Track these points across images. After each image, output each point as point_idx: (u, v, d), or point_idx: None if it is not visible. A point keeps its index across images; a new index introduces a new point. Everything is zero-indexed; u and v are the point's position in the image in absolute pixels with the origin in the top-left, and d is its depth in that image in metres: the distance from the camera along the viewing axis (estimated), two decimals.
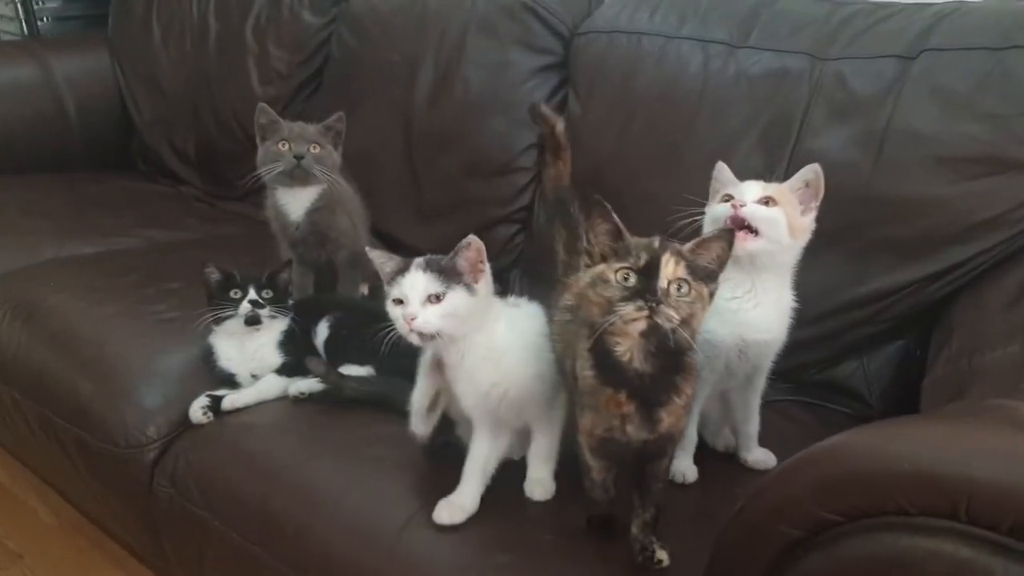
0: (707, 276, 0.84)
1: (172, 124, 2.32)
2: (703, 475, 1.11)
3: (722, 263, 0.86)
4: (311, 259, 1.52)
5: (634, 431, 0.87)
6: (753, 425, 1.14)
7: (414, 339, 0.97)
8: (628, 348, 0.83)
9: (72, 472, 1.35)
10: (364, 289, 1.61)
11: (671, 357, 0.84)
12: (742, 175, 1.46)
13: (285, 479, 1.10)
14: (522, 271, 1.76)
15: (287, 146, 1.43)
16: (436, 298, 0.95)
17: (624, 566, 0.94)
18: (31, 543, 1.70)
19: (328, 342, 1.32)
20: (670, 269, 0.81)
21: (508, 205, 1.76)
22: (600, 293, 0.83)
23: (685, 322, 0.81)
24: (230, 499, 1.12)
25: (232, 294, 1.29)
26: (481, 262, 0.99)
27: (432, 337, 0.96)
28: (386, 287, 0.99)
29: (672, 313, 0.80)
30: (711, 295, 0.85)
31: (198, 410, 1.23)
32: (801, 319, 1.30)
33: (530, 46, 1.74)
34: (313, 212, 1.48)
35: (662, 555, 0.93)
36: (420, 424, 1.08)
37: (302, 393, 1.25)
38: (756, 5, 1.54)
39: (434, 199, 1.83)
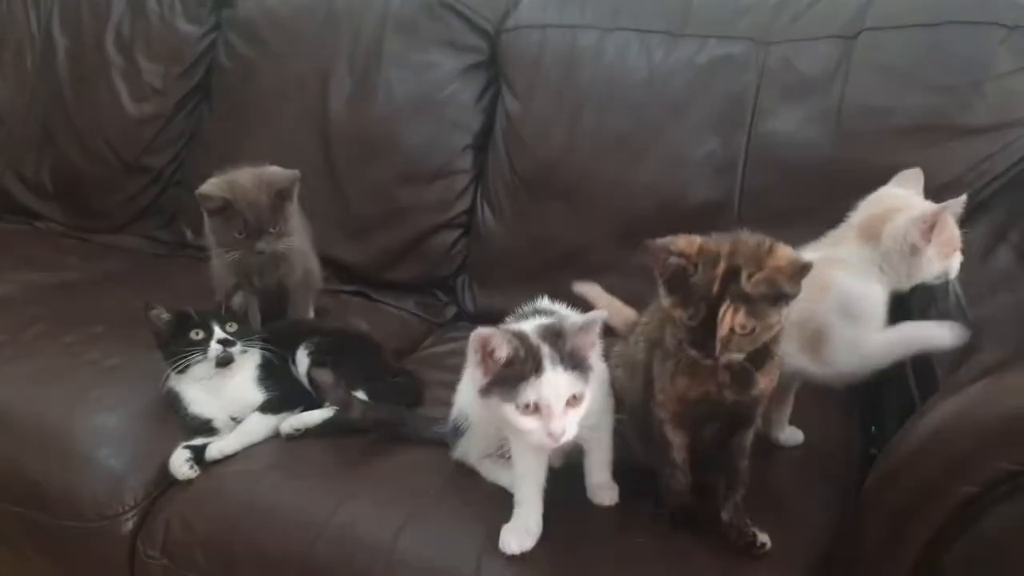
0: (775, 299, 0.82)
1: (17, 153, 2.00)
2: None
3: (792, 277, 0.82)
4: (263, 285, 1.35)
5: (730, 394, 0.87)
6: (787, 406, 1.13)
7: (548, 446, 0.84)
8: None
9: (20, 567, 1.09)
10: (311, 313, 1.46)
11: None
12: (700, 164, 1.49)
13: (323, 529, 0.95)
14: (469, 277, 1.67)
15: (243, 235, 1.25)
16: (575, 399, 0.83)
17: (727, 555, 0.89)
18: None
19: (311, 370, 1.17)
20: (727, 320, 0.81)
21: (448, 210, 1.67)
22: (672, 332, 0.86)
23: (769, 355, 0.84)
24: (257, 559, 0.95)
25: (193, 335, 1.11)
26: (596, 340, 0.87)
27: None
28: (491, 379, 0.83)
29: (734, 356, 0.82)
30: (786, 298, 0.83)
31: (183, 464, 1.04)
32: None
33: (453, 45, 1.67)
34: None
35: (764, 537, 0.89)
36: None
37: (296, 430, 1.10)
38: None
39: (363, 211, 1.70)
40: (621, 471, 0.98)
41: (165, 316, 1.11)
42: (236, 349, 1.11)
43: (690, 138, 1.48)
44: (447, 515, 0.96)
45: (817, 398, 1.33)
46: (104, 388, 1.15)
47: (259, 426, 1.10)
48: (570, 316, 0.92)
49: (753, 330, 0.81)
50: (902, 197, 1.05)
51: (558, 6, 1.62)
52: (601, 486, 0.97)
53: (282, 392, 1.14)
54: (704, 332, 0.81)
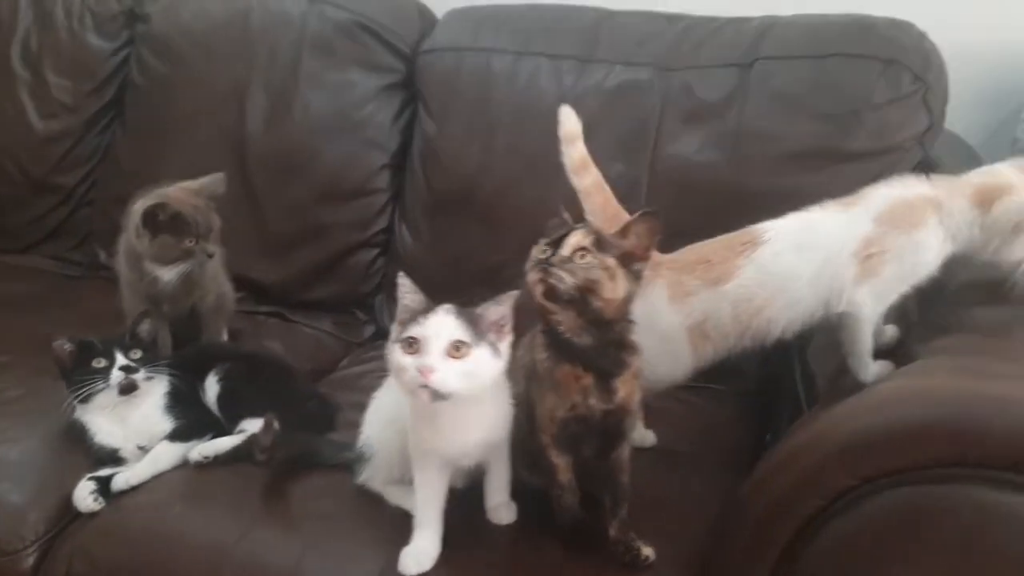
0: (623, 255, 0.88)
1: None
2: None
3: (645, 245, 0.91)
4: (174, 311, 1.35)
5: (596, 402, 0.91)
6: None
7: (422, 397, 0.84)
8: (567, 325, 0.89)
9: None
10: (224, 335, 1.46)
11: (605, 331, 0.90)
12: (612, 182, 1.53)
13: (229, 556, 0.96)
14: (387, 296, 1.70)
15: (194, 242, 1.26)
16: (457, 349, 0.84)
17: (615, 568, 0.94)
18: None
19: (221, 397, 1.18)
20: (574, 239, 0.88)
21: (366, 229, 1.70)
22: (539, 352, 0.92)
23: (589, 289, 0.87)
24: None
25: (95, 363, 1.11)
26: (505, 325, 0.89)
27: (444, 399, 0.84)
28: (397, 324, 0.87)
29: (565, 275, 0.86)
30: (633, 274, 0.90)
31: (87, 497, 1.04)
32: None
33: (371, 65, 1.70)
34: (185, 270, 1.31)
35: (648, 551, 0.94)
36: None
37: (206, 457, 1.11)
38: (595, 20, 1.62)
39: (281, 228, 1.71)
40: (519, 491, 1.02)
41: (68, 347, 1.11)
42: (139, 376, 1.12)
43: (599, 161, 1.53)
44: (350, 539, 0.98)
45: (714, 407, 1.42)
46: (6, 420, 1.14)
47: (167, 455, 1.10)
48: None
49: (591, 260, 0.86)
50: (1021, 178, 1.08)
51: (473, 30, 1.66)
52: (499, 506, 1.01)
53: (190, 419, 1.14)
54: (554, 249, 0.88)
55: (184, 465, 1.11)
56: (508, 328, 0.89)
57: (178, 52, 1.78)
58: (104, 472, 1.08)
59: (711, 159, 1.46)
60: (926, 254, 1.06)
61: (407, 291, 0.88)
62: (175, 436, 1.12)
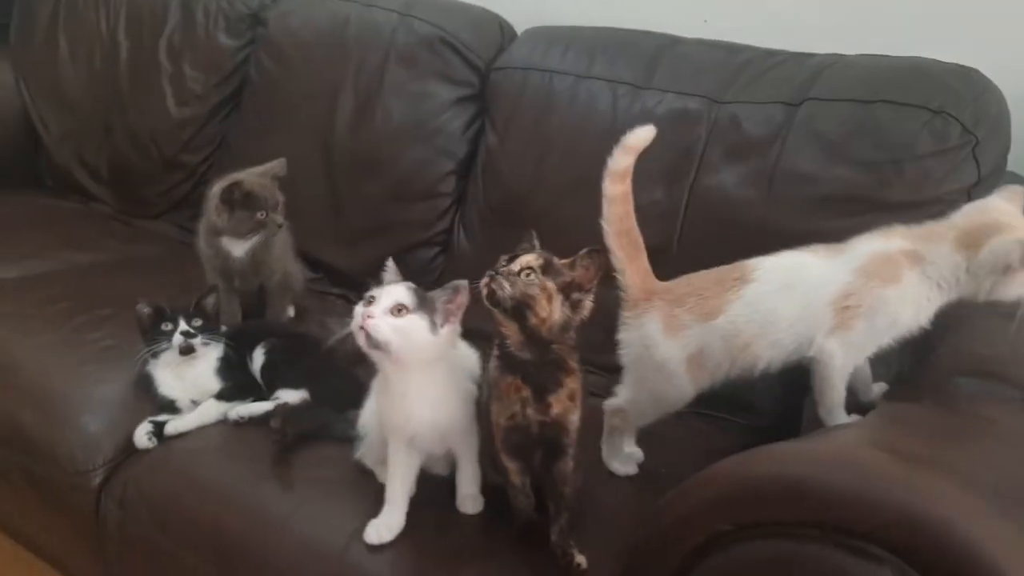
0: (566, 283, 0.98)
1: (82, 141, 2.29)
2: None
3: (589, 277, 0.99)
4: (245, 287, 1.57)
5: (532, 414, 1.01)
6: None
7: (360, 338, 1.00)
8: (512, 340, 1.00)
9: (18, 502, 1.36)
10: (291, 311, 1.67)
11: (544, 349, 1.00)
12: (646, 210, 1.60)
13: (237, 501, 1.16)
14: None
15: (264, 214, 1.48)
16: (399, 310, 1.00)
17: (551, 570, 1.05)
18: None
19: (264, 368, 1.38)
20: (525, 259, 0.99)
21: (429, 228, 1.85)
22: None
23: (526, 304, 0.97)
24: (184, 522, 1.17)
25: (164, 327, 1.33)
26: (458, 307, 1.04)
27: (377, 346, 1.00)
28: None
29: (506, 285, 0.96)
30: (572, 302, 0.99)
31: (143, 436, 1.27)
32: None
33: (448, 78, 1.84)
34: (256, 248, 1.54)
35: (580, 559, 1.04)
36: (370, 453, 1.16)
37: (242, 417, 1.30)
38: (658, 48, 1.68)
39: (357, 222, 1.90)
40: (488, 487, 1.15)
41: (146, 310, 1.34)
42: (197, 341, 1.33)
43: (640, 186, 1.59)
44: (339, 502, 1.14)
45: (721, 436, 1.47)
46: (98, 364, 1.39)
47: (213, 411, 1.32)
48: None
49: (534, 280, 0.97)
50: (1011, 214, 1.08)
51: (544, 50, 1.76)
52: (467, 497, 1.14)
53: (236, 383, 1.35)
54: (508, 263, 1.00)
55: (224, 421, 1.31)
56: (457, 312, 1.03)
57: (286, 54, 2.00)
58: (161, 418, 1.30)
59: (747, 195, 1.49)
60: (902, 310, 1.07)
61: (390, 273, 1.06)
62: (221, 396, 1.33)
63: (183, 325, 1.33)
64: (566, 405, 1.02)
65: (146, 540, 1.20)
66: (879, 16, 1.64)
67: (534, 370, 1.01)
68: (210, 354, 1.36)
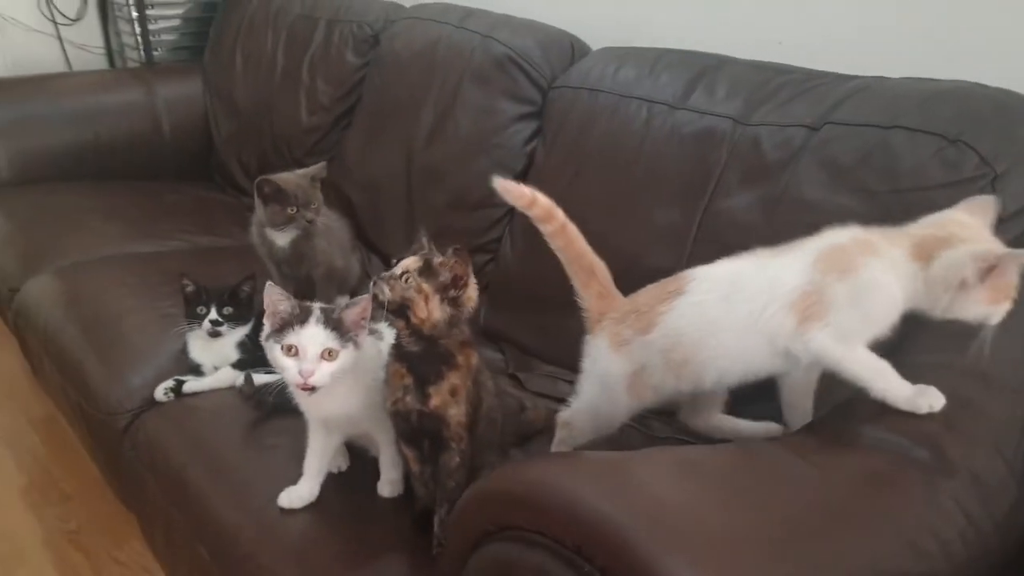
0: (442, 284, 1.05)
1: (242, 142, 2.68)
2: None
3: (457, 275, 1.05)
4: (293, 274, 1.78)
5: (411, 400, 1.09)
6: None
7: (302, 393, 1.09)
8: (402, 333, 1.08)
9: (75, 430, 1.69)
10: (342, 300, 1.86)
11: (431, 344, 1.07)
12: (663, 231, 1.59)
13: (205, 453, 1.36)
14: (489, 296, 1.95)
15: (295, 210, 1.65)
16: (329, 353, 1.06)
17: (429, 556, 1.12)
18: (81, 487, 2.04)
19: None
20: (405, 263, 1.06)
21: (483, 236, 1.95)
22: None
23: (406, 306, 1.04)
24: (164, 464, 1.39)
25: (199, 310, 1.55)
26: (364, 319, 1.11)
27: (316, 390, 1.08)
28: (272, 329, 1.09)
29: (386, 289, 1.04)
30: (451, 300, 1.06)
31: (161, 391, 1.51)
32: None
33: (514, 96, 1.92)
34: (297, 240, 1.72)
35: None
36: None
37: (241, 385, 1.50)
38: (704, 68, 1.65)
39: (423, 224, 2.04)
40: None
41: (190, 288, 1.58)
42: (223, 328, 1.54)
43: (659, 208, 1.59)
44: (280, 468, 1.28)
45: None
46: (157, 328, 1.66)
47: (227, 377, 1.53)
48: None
49: (411, 287, 1.04)
50: (969, 227, 1.01)
51: (599, 70, 1.80)
52: (385, 481, 1.24)
53: (252, 357, 1.54)
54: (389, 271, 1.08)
55: (234, 387, 1.52)
56: (366, 322, 1.12)
57: (388, 72, 2.21)
58: (185, 377, 1.54)
59: (752, 220, 1.44)
60: (879, 292, 0.99)
61: (278, 298, 1.10)
62: (237, 365, 1.54)
63: (214, 313, 1.54)
64: (445, 399, 1.09)
65: (142, 479, 1.44)
66: (956, 39, 1.48)
67: (419, 361, 1.09)
68: (237, 332, 1.57)
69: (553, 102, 1.86)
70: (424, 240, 1.12)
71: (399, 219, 2.10)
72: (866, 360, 0.99)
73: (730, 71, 1.62)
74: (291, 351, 1.07)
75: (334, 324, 1.09)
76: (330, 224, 1.83)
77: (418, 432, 1.12)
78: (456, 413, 1.10)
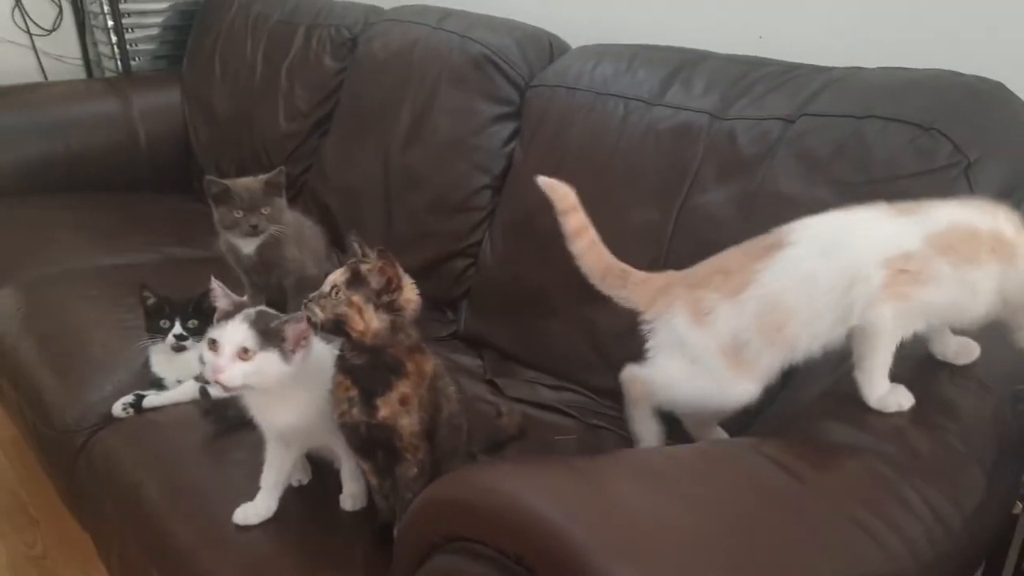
0: (374, 291, 0.99)
1: (220, 151, 2.63)
2: None
3: (388, 282, 1.00)
4: (263, 283, 1.72)
5: (357, 413, 1.03)
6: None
7: (219, 391, 1.07)
8: (344, 347, 1.04)
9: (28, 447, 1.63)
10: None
11: (376, 354, 1.02)
12: (642, 227, 1.54)
13: (162, 470, 1.30)
14: (469, 301, 1.89)
15: (241, 214, 1.60)
16: (245, 352, 1.02)
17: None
18: (49, 510, 1.97)
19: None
20: (332, 277, 1.01)
21: (463, 240, 1.90)
22: None
23: (341, 322, 0.99)
24: (120, 483, 1.33)
25: (162, 323, 1.48)
26: (306, 339, 1.06)
27: (231, 391, 1.05)
28: (214, 324, 1.07)
29: (317, 310, 1.00)
30: (386, 306, 1.00)
31: (119, 406, 1.45)
32: None
33: (492, 96, 1.88)
34: (263, 247, 1.67)
35: None
36: None
37: (203, 398, 1.44)
38: (682, 63, 1.61)
39: (401, 231, 2.00)
40: None
41: (151, 300, 1.52)
42: (188, 343, 1.48)
43: (636, 205, 1.55)
44: (240, 483, 1.22)
45: None
46: (118, 342, 1.59)
47: (189, 390, 1.46)
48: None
49: (341, 301, 0.98)
50: None
51: (577, 68, 1.76)
52: (347, 494, 1.18)
53: None
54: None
55: (198, 400, 1.46)
56: (308, 341, 1.06)
57: (366, 76, 2.16)
58: (146, 392, 1.48)
59: (727, 215, 1.40)
60: (972, 299, 0.92)
61: (219, 295, 1.07)
62: (199, 378, 1.49)
63: (178, 327, 1.48)
64: (395, 409, 1.03)
65: (98, 500, 1.38)
66: (935, 31, 1.44)
67: (362, 373, 1.03)
68: (201, 344, 1.51)
69: (531, 101, 1.81)
70: (356, 245, 1.06)
71: (378, 224, 2.04)
72: (892, 349, 0.94)
73: (708, 66, 1.58)
74: (212, 346, 1.04)
75: (263, 328, 1.04)
76: (303, 231, 1.78)
77: (369, 444, 1.07)
78: (408, 423, 1.04)
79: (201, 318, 1.51)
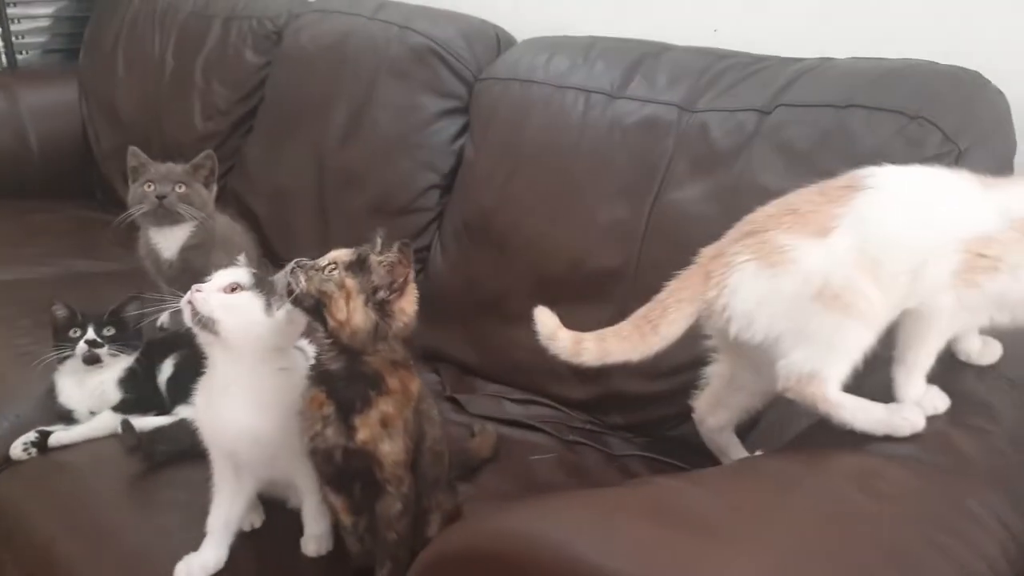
0: (372, 285, 0.89)
1: (126, 154, 2.39)
2: None
3: (395, 277, 0.90)
4: (181, 288, 1.54)
5: (332, 435, 0.90)
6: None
7: (186, 313, 0.95)
8: (323, 346, 0.92)
9: None
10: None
11: (356, 361, 0.90)
12: (610, 227, 1.45)
13: (79, 520, 1.11)
14: (419, 312, 1.74)
15: (151, 187, 1.46)
16: (232, 289, 0.96)
17: None
18: None
19: (170, 380, 1.32)
20: (334, 254, 0.91)
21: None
22: None
23: (322, 301, 0.88)
24: (23, 537, 1.13)
25: (72, 333, 1.30)
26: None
27: (204, 325, 0.94)
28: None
29: (302, 279, 0.88)
30: (377, 304, 0.89)
31: (19, 446, 1.24)
32: (654, 372, 1.28)
33: (437, 90, 1.76)
34: (187, 250, 1.51)
35: None
36: None
37: (124, 431, 1.25)
38: (642, 55, 1.52)
39: (340, 236, 1.76)
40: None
41: (61, 312, 1.32)
42: (103, 351, 1.29)
43: (602, 204, 1.45)
44: (177, 530, 1.06)
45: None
46: (10, 371, 1.39)
47: (106, 423, 1.26)
48: None
49: (333, 275, 0.88)
50: None
51: (529, 61, 1.65)
52: (310, 537, 1.03)
53: (138, 396, 1.30)
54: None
55: (116, 435, 1.26)
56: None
57: (293, 70, 2.00)
58: (52, 428, 1.27)
59: (705, 212, 1.32)
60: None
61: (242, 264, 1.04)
62: (119, 408, 1.29)
63: (90, 333, 1.30)
64: (375, 431, 0.89)
65: None
66: (899, 21, 1.40)
67: (341, 383, 0.90)
68: (117, 364, 1.32)
69: (480, 95, 1.69)
70: (378, 240, 0.95)
71: (311, 230, 1.88)
72: (942, 343, 0.86)
73: (670, 57, 1.50)
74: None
75: (260, 277, 0.99)
76: (232, 237, 1.61)
77: (345, 474, 0.92)
78: (391, 451, 0.90)
79: (119, 327, 1.32)
